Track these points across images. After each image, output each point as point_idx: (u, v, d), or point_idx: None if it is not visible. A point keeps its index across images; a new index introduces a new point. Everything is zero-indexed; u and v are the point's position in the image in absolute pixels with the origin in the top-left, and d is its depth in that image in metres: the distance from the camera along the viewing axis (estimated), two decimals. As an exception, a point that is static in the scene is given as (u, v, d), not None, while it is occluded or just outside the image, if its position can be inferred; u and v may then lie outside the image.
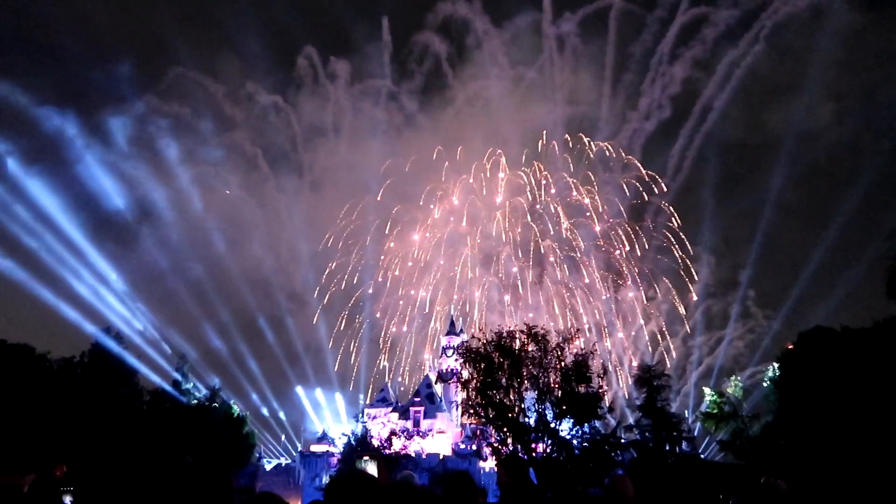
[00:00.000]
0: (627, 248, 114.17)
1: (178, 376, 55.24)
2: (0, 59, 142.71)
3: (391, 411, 64.60)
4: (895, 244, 35.97)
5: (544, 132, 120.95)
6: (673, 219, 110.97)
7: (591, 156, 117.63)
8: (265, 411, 77.95)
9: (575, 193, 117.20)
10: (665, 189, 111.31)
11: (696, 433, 56.40)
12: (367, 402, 75.15)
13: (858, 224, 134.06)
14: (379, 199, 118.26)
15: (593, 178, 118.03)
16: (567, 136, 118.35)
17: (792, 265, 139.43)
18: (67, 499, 24.64)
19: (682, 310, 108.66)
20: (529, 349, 31.17)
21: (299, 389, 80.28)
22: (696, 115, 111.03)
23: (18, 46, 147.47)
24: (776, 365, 47.39)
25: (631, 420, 44.87)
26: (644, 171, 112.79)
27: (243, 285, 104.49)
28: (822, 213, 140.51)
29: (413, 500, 1.98)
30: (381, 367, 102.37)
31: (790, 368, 43.86)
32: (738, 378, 58.16)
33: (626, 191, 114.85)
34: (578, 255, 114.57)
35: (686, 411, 65.71)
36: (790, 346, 45.95)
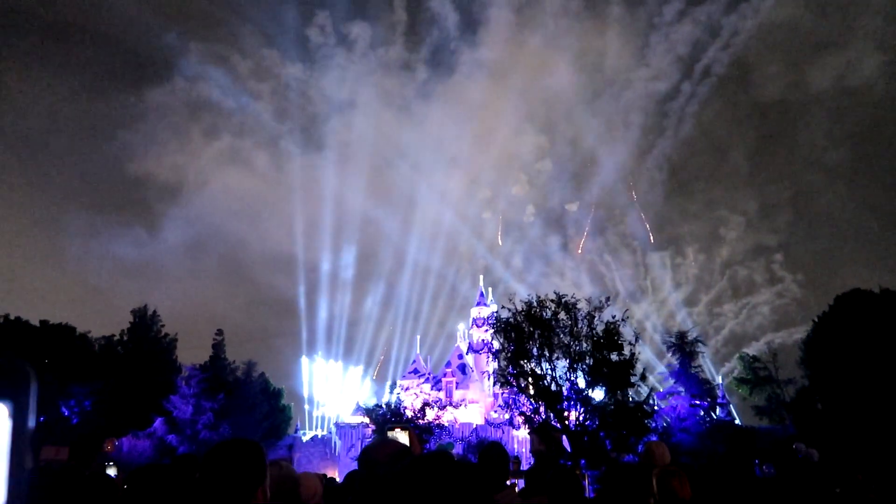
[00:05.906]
0: (651, 213, 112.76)
1: (215, 351, 56.33)
2: (24, 42, 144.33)
3: (423, 382, 65.26)
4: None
5: (558, 97, 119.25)
6: (685, 180, 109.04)
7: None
8: (302, 386, 79.22)
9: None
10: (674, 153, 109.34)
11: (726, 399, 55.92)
12: (399, 374, 76.03)
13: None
14: (400, 170, 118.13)
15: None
16: (581, 100, 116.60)
17: (828, 227, 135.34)
18: (112, 471, 25.60)
19: (710, 275, 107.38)
20: (560, 318, 30.98)
21: (332, 363, 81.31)
22: (697, 76, 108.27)
23: (39, 30, 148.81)
24: (811, 328, 46.69)
25: (670, 385, 44.69)
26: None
27: (273, 262, 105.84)
28: (863, 172, 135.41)
29: (447, 469, 1.96)
30: (411, 339, 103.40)
31: (826, 331, 43.17)
32: (770, 342, 57.47)
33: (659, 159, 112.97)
34: (603, 221, 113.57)
35: (719, 377, 65.16)
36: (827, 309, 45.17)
